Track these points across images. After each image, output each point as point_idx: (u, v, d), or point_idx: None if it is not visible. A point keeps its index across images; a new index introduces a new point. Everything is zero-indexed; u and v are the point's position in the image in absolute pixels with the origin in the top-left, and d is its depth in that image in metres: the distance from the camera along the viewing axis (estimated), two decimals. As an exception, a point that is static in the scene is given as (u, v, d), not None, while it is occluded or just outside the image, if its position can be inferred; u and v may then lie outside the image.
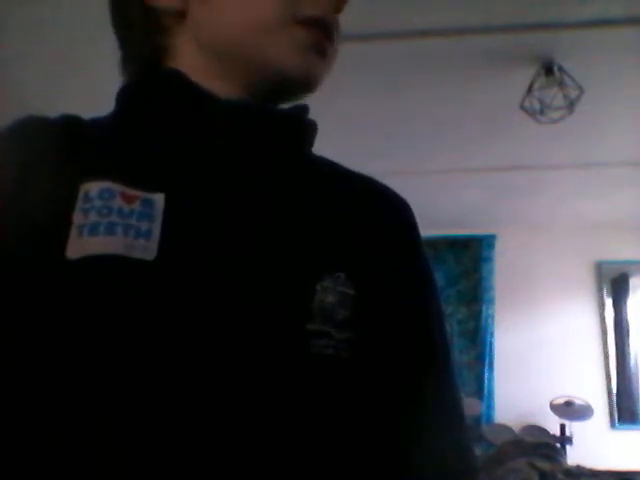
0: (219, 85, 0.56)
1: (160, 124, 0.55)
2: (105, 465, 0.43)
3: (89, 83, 2.58)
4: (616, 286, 4.82)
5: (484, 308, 4.82)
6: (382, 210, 0.60)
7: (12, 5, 2.37)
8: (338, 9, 0.58)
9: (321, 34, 0.56)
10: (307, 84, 0.58)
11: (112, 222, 0.47)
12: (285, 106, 0.60)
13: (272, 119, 0.57)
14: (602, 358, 4.68)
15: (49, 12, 2.39)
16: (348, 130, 3.17)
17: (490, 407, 4.63)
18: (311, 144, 0.62)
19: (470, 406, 4.23)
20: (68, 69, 2.71)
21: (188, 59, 0.57)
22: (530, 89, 2.82)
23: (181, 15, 0.57)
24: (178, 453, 0.44)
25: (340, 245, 0.54)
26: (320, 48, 0.56)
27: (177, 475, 0.44)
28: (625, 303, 4.79)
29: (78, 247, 0.46)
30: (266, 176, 0.55)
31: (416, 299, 0.58)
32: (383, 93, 3.06)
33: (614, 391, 4.61)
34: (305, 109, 0.60)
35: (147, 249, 0.47)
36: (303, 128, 0.60)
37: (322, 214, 0.56)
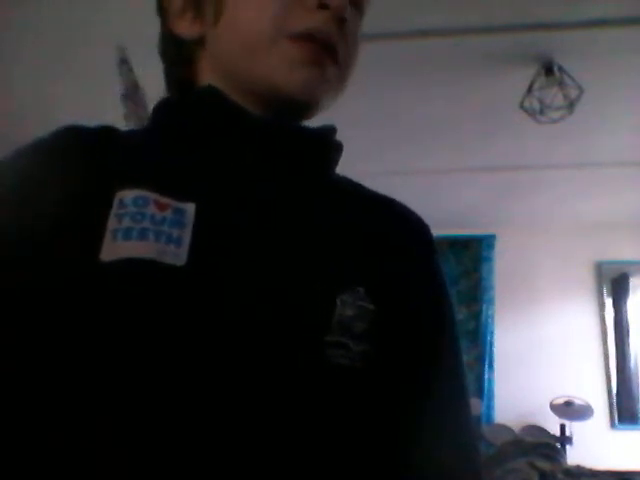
0: (241, 104, 0.57)
1: (193, 137, 0.57)
2: (117, 467, 0.44)
3: (88, 83, 2.58)
4: (616, 286, 4.82)
5: (484, 308, 4.82)
6: (401, 227, 0.63)
7: (11, 5, 2.37)
8: (340, 19, 0.56)
9: (317, 47, 0.56)
10: (305, 100, 0.58)
11: (145, 228, 0.48)
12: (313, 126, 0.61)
13: (300, 137, 0.59)
14: (602, 358, 4.68)
15: (48, 12, 2.39)
16: (348, 130, 3.17)
17: (490, 407, 4.62)
18: (335, 164, 0.64)
19: (470, 406, 4.23)
20: (66, 69, 2.70)
21: (210, 83, 0.59)
22: (530, 89, 2.82)
23: (201, 42, 0.60)
24: (193, 462, 0.44)
25: (360, 259, 0.55)
26: (316, 62, 0.56)
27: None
28: (625, 303, 4.79)
29: (112, 250, 0.47)
30: (292, 190, 0.57)
31: (430, 309, 0.60)
32: (383, 93, 3.06)
33: (614, 391, 4.60)
34: (332, 130, 0.62)
35: (177, 255, 0.48)
36: (329, 148, 0.62)
37: (344, 229, 0.57)
